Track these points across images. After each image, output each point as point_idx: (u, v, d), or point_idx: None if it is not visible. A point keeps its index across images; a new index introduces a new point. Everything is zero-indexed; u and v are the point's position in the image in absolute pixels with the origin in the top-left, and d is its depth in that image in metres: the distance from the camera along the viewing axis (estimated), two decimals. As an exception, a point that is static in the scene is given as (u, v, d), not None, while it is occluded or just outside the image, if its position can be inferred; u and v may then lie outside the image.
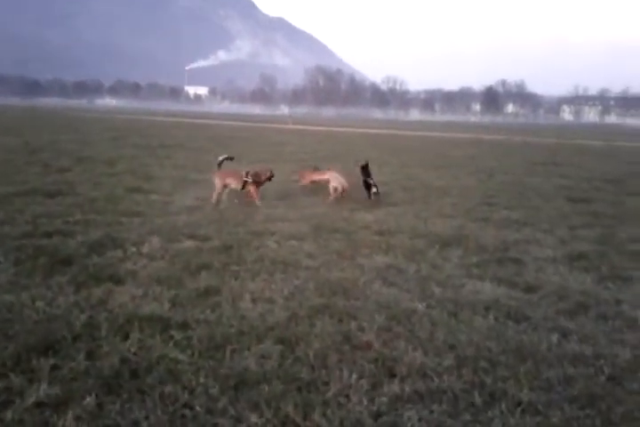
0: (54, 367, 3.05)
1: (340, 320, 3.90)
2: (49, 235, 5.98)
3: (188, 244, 5.93)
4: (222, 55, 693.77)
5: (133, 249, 5.57)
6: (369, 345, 3.49)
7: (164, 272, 4.84)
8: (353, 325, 3.82)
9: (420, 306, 4.28)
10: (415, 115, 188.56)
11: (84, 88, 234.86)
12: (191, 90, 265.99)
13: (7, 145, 16.97)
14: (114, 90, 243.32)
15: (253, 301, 4.25)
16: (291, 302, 4.23)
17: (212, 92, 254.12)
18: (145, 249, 5.59)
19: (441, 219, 7.92)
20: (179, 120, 54.53)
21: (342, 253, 5.83)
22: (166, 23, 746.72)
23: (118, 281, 4.57)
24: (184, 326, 3.70)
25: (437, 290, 4.72)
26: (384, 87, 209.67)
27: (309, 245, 6.12)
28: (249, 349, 3.38)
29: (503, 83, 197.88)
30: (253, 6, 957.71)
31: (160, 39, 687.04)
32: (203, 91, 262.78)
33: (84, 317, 3.75)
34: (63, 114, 58.97)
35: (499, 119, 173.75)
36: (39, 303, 3.95)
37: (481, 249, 6.24)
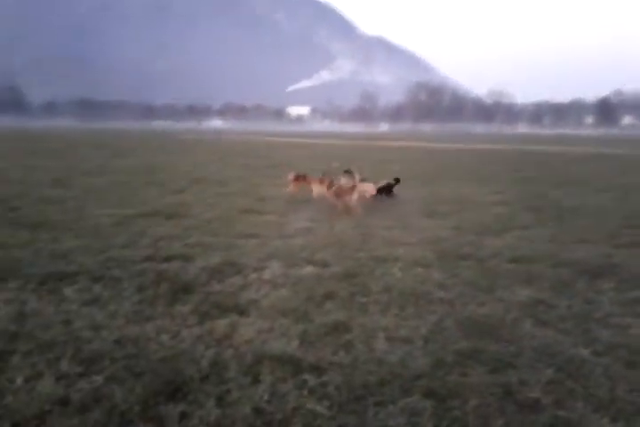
0: (183, 415, 2.77)
1: (495, 369, 3.35)
2: (169, 259, 5.91)
3: (309, 270, 5.60)
4: (323, 75, 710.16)
5: (254, 275, 5.33)
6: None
7: (287, 302, 4.53)
8: (512, 376, 3.26)
9: (587, 353, 3.63)
10: (522, 129, 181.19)
11: (194, 111, 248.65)
12: (293, 110, 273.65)
13: (127, 167, 17.87)
14: (222, 112, 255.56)
15: (388, 340, 3.80)
16: (432, 345, 3.73)
17: (314, 111, 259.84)
18: (265, 275, 5.34)
19: (581, 244, 7.07)
20: (284, 140, 55.78)
21: (477, 283, 5.25)
22: (271, 46, 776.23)
23: (242, 312, 4.31)
24: (317, 369, 3.32)
25: (601, 332, 4.03)
26: (488, 101, 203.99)
27: (438, 273, 5.59)
28: (394, 402, 2.93)
29: (619, 93, 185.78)
30: (353, 26, 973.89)
31: (264, 62, 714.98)
32: (304, 111, 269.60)
33: (210, 353, 3.49)
34: (176, 136, 62.29)
35: (614, 132, 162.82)
36: (164, 337, 3.75)
37: (638, 281, 5.41)
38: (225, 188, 12.69)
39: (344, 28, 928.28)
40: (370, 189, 10.62)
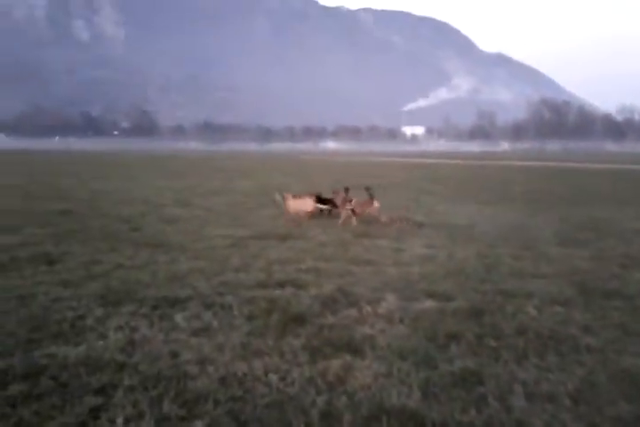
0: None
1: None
2: (282, 285, 5.68)
3: (429, 304, 5.10)
4: (440, 94, 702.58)
5: (369, 308, 4.93)
6: None
7: (406, 342, 4.07)
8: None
9: None
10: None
11: (310, 133, 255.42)
12: (408, 130, 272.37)
13: (245, 188, 18.31)
14: (336, 133, 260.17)
15: (528, 397, 3.22)
16: (584, 407, 3.10)
17: (429, 131, 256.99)
18: (381, 309, 4.92)
19: None
20: (398, 160, 55.26)
21: (629, 327, 4.47)
22: (386, 68, 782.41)
23: (356, 351, 3.91)
24: (444, 430, 2.83)
25: None
26: (619, 118, 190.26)
27: (580, 313, 4.85)
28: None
29: None
30: (471, 44, 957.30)
31: (379, 83, 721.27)
32: (419, 130, 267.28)
33: (321, 401, 3.12)
34: (293, 157, 63.90)
35: None
36: (272, 377, 3.44)
37: None
38: (339, 209, 12.45)
39: (462, 45, 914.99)
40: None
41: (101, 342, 4.01)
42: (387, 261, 6.96)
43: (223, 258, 7.01)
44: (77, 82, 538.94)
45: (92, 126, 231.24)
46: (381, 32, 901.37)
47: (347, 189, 10.97)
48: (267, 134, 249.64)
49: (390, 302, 5.13)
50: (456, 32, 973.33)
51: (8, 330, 4.23)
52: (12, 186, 18.20)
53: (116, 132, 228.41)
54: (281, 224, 10.03)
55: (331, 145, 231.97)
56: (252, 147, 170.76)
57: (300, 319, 4.59)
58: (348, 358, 3.78)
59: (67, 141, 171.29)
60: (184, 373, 3.47)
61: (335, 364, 3.66)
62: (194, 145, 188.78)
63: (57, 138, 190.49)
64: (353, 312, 4.83)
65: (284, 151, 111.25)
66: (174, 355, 3.78)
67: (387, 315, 4.75)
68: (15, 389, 3.21)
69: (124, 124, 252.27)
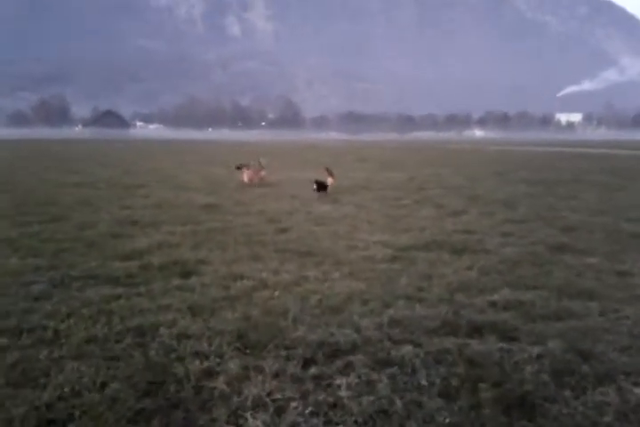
0: None
1: None
2: (478, 330, 4.07)
3: None
4: (602, 78, 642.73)
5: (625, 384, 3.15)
6: None
7: None
8: None
9: None
10: None
11: (453, 121, 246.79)
12: (563, 117, 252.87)
13: (393, 181, 16.74)
14: (482, 121, 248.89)
15: None
16: None
17: (587, 118, 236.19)
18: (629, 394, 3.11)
19: None
20: (555, 150, 50.36)
21: None
22: (536, 51, 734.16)
23: None
24: None
25: None
26: None
27: None
28: None
29: None
30: (638, 21, 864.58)
31: (529, 68, 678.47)
32: (576, 118, 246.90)
33: None
34: (438, 147, 61.15)
35: None
36: None
37: None
38: (514, 211, 10.42)
39: (626, 24, 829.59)
40: None
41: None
42: (614, 295, 5.04)
43: (386, 278, 5.52)
44: (229, 74, 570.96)
45: (241, 117, 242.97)
46: (533, 13, 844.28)
47: None
48: (408, 123, 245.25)
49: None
50: (620, 10, 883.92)
51: (113, 391, 3.08)
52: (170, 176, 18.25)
53: (263, 123, 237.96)
54: (450, 229, 8.32)
55: (477, 133, 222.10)
56: (393, 136, 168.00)
57: (524, 403, 2.95)
58: None
59: (220, 132, 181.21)
60: None
61: None
62: (335, 135, 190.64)
63: (210, 129, 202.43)
64: (598, 396, 3.09)
65: (427, 140, 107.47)
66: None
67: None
68: None
69: (271, 115, 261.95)
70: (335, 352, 3.65)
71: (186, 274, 5.59)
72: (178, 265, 5.91)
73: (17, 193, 12.69)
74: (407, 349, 3.69)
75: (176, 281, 5.32)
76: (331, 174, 13.41)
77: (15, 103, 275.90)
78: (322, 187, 12.79)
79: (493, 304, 4.73)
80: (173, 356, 3.57)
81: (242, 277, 5.46)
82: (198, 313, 4.37)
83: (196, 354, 3.60)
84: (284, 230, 8.17)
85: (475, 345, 3.80)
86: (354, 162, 27.47)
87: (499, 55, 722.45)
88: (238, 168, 15.34)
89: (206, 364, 3.44)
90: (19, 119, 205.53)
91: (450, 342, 3.83)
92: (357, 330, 4.01)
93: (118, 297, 4.80)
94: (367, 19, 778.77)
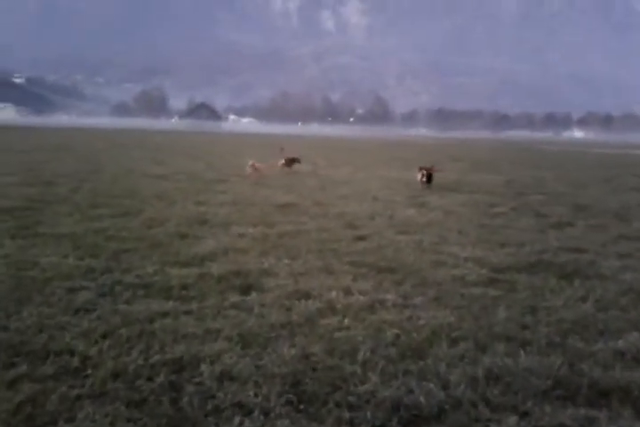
0: None
1: None
2: (602, 394, 3.09)
3: None
4: None
5: None
6: None
7: None
8: None
9: None
10: None
11: (552, 121, 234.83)
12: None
13: (487, 183, 15.45)
14: (583, 122, 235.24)
15: None
16: None
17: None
18: None
19: None
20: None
21: None
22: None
23: None
24: None
25: None
26: None
27: None
28: None
29: None
30: None
31: (636, 64, 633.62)
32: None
33: None
34: (535, 147, 57.88)
35: None
36: None
37: None
38: (628, 226, 9.03)
39: None
40: None
41: None
42: None
43: (480, 308, 4.57)
44: (322, 69, 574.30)
45: (331, 112, 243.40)
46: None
47: None
48: (502, 121, 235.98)
49: None
50: None
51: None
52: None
53: (351, 119, 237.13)
54: (555, 246, 7.16)
55: (576, 134, 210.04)
56: (485, 134, 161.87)
57: None
58: None
59: (309, 127, 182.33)
60: None
61: None
62: (424, 132, 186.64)
63: (299, 124, 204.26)
64: None
65: (523, 140, 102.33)
66: None
67: None
68: None
69: (360, 111, 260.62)
70: (414, 419, 2.80)
71: (246, 289, 4.91)
72: (239, 277, 5.25)
73: (99, 184, 12.67)
74: (511, 420, 2.78)
75: (233, 297, 4.65)
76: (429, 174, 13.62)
77: (120, 94, 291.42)
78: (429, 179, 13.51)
79: (620, 355, 3.69)
80: (209, 406, 2.86)
81: (307, 296, 4.71)
82: (249, 344, 3.65)
83: (238, 406, 2.87)
84: (361, 238, 7.35)
85: (603, 421, 2.83)
86: (444, 161, 26.09)
87: (606, 51, 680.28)
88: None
89: (247, 424, 2.70)
90: (122, 109, 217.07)
91: (567, 415, 2.87)
92: (445, 386, 3.14)
93: (165, 315, 4.19)
94: (466, 14, 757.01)
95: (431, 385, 3.12)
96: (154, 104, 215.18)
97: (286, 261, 5.94)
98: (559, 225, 8.89)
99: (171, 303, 4.45)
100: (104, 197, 10.42)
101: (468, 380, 3.21)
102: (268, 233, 7.45)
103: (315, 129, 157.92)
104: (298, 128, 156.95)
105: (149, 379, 3.14)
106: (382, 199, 11.49)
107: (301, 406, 2.89)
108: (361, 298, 4.73)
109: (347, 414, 2.81)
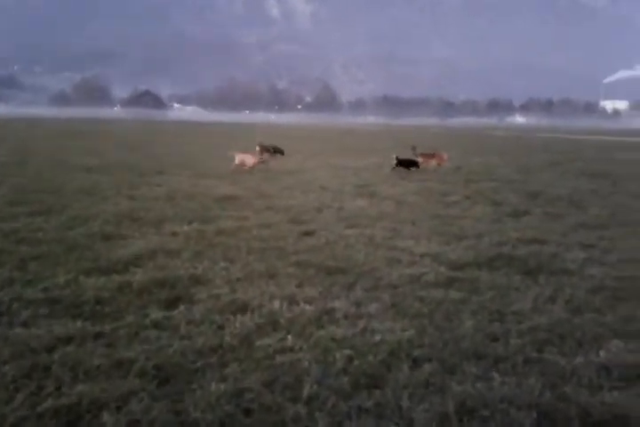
0: None
1: None
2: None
3: None
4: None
5: None
6: None
7: None
8: None
9: None
10: None
11: (495, 107, 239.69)
12: (608, 104, 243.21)
13: (439, 170, 15.06)
14: (525, 108, 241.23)
15: None
16: None
17: (635, 106, 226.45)
18: None
19: None
20: (607, 139, 47.39)
21: None
22: (586, 36, 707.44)
23: None
24: None
25: None
26: None
27: None
28: None
29: None
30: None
31: (577, 53, 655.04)
32: (622, 105, 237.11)
33: None
34: (481, 133, 58.56)
35: None
36: None
37: None
38: (585, 213, 8.73)
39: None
40: None
41: None
42: None
43: (443, 316, 4.02)
44: (267, 57, 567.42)
45: (278, 100, 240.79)
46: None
47: None
48: (448, 108, 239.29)
49: None
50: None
51: None
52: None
53: (299, 106, 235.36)
54: (514, 237, 6.69)
55: (519, 120, 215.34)
56: (432, 121, 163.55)
57: None
58: None
59: (256, 115, 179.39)
60: None
61: None
62: (372, 119, 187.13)
63: (247, 112, 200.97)
64: None
65: (468, 126, 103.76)
66: None
67: None
68: None
69: (308, 99, 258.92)
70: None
71: (173, 301, 4.20)
72: (166, 287, 4.51)
73: (22, 177, 11.53)
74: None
75: (156, 313, 3.93)
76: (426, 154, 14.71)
77: (59, 83, 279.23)
78: (410, 163, 13.97)
79: (605, 371, 3.19)
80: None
81: (244, 309, 4.04)
82: (168, 380, 2.95)
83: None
84: (308, 234, 6.71)
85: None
86: (392, 147, 25.66)
87: (548, 40, 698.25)
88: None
89: None
90: (61, 99, 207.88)
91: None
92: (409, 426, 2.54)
93: (69, 341, 3.43)
94: (412, 4, 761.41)
95: (393, 428, 2.52)
96: (95, 93, 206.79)
97: (223, 264, 5.24)
98: (515, 214, 8.50)
99: (79, 324, 3.70)
100: (25, 193, 9.39)
101: (437, 417, 2.62)
102: (204, 230, 6.71)
103: (262, 117, 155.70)
104: (245, 116, 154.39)
105: (30, 439, 2.41)
106: (331, 189, 10.87)
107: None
108: (307, 308, 4.09)
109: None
